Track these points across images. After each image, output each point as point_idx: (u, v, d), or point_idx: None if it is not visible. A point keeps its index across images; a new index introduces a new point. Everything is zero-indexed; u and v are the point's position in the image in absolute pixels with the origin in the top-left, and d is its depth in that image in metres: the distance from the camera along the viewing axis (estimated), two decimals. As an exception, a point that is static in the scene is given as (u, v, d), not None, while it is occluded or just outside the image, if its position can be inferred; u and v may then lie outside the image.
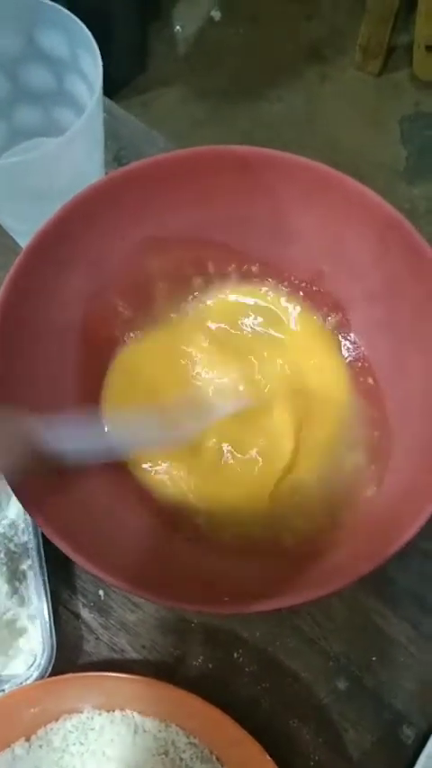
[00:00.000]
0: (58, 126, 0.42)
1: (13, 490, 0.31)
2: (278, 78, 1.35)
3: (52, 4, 0.35)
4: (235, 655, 0.39)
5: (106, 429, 0.37)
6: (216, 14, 1.41)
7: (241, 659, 0.39)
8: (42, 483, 0.32)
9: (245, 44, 1.39)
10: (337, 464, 0.37)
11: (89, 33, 0.34)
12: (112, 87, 0.33)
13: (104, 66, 0.34)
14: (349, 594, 0.40)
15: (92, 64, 0.34)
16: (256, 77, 1.35)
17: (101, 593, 0.40)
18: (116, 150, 0.48)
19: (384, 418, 0.37)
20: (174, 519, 0.36)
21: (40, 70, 0.38)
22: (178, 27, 1.40)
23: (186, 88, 1.34)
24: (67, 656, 0.38)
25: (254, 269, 0.40)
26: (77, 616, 0.39)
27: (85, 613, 0.39)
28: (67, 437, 0.31)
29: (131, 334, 0.39)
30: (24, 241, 0.42)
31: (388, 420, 0.36)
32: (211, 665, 0.39)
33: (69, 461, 0.30)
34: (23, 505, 0.31)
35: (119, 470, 0.37)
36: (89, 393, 0.38)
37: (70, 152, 0.35)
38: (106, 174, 0.39)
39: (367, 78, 1.34)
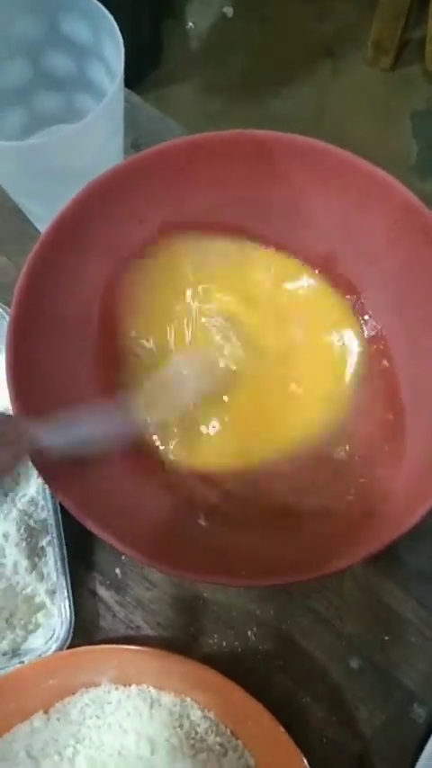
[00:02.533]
0: (79, 112, 0.43)
1: (34, 464, 0.32)
2: (290, 74, 1.35)
3: (76, -10, 0.35)
4: (249, 633, 0.39)
5: (123, 410, 0.37)
6: (228, 11, 1.41)
7: (255, 637, 0.39)
8: (62, 460, 0.33)
9: (257, 40, 1.39)
10: (351, 444, 0.37)
11: (112, 19, 0.34)
12: (126, 83, 0.34)
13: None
14: (362, 575, 0.40)
15: (114, 50, 0.35)
16: (268, 73, 1.35)
17: (117, 570, 0.40)
18: (134, 137, 0.49)
19: (399, 400, 0.37)
20: (191, 494, 0.37)
21: (62, 56, 0.39)
22: (191, 24, 1.40)
23: (199, 84, 1.34)
24: (84, 633, 0.39)
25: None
26: (94, 593, 0.40)
27: (102, 591, 0.40)
28: (83, 430, 0.32)
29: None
30: (44, 226, 0.42)
31: (402, 401, 0.37)
32: (225, 643, 0.39)
33: (90, 450, 0.32)
34: (44, 479, 0.32)
35: (136, 448, 0.37)
36: (107, 375, 0.39)
37: (90, 136, 0.36)
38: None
39: (379, 74, 1.34)
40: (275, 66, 1.36)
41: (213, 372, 0.39)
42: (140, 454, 0.38)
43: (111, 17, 0.35)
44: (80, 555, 0.40)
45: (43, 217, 0.43)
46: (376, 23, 1.28)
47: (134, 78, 1.31)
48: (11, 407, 0.32)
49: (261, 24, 1.40)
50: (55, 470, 0.32)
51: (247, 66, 1.36)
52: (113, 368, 0.39)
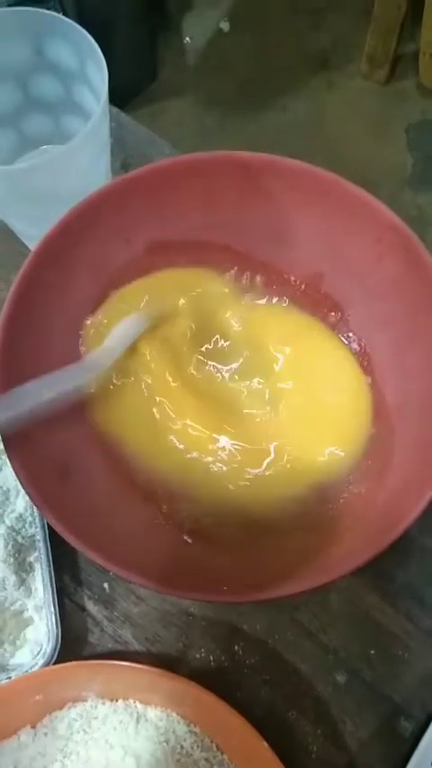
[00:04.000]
0: (67, 134, 0.43)
1: (21, 485, 0.32)
2: (286, 88, 1.37)
3: (60, 16, 0.36)
4: (236, 647, 0.40)
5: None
6: (225, 26, 1.43)
7: (242, 652, 0.40)
8: (50, 477, 0.33)
9: (253, 54, 1.41)
10: (333, 459, 0.37)
11: (95, 44, 0.35)
12: (123, 97, 0.34)
13: (114, 76, 0.36)
14: (348, 589, 0.40)
15: (98, 73, 0.36)
16: (264, 87, 1.37)
17: (105, 585, 0.41)
18: (123, 158, 0.50)
19: (383, 415, 0.37)
20: (177, 514, 0.37)
21: (49, 81, 0.40)
22: (188, 38, 1.42)
23: (195, 98, 1.36)
24: (72, 648, 0.39)
25: (255, 271, 0.41)
26: (82, 608, 0.40)
27: (90, 606, 0.40)
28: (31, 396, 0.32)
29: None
30: (33, 244, 0.43)
31: (386, 417, 0.37)
32: (212, 658, 0.40)
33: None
34: (31, 499, 0.32)
35: (123, 465, 0.38)
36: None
37: (76, 158, 0.37)
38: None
39: (374, 87, 1.35)
40: (271, 80, 1.38)
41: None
42: (124, 467, 0.38)
43: (94, 42, 0.35)
44: (68, 569, 0.40)
45: (33, 236, 0.43)
46: (371, 37, 1.29)
47: (130, 92, 1.33)
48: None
49: (257, 38, 1.42)
50: (42, 491, 0.32)
51: (244, 80, 1.38)
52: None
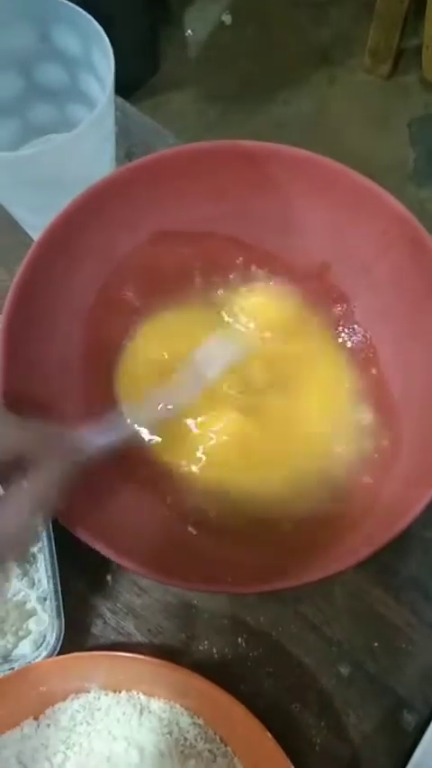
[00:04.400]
0: (71, 122, 0.43)
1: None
2: (287, 81, 1.36)
3: (66, 2, 0.36)
4: (239, 640, 0.40)
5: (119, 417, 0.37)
6: (227, 18, 1.42)
7: (245, 644, 0.40)
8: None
9: (255, 47, 1.40)
10: (341, 451, 0.37)
11: (102, 30, 0.35)
12: (124, 90, 0.34)
13: (116, 69, 0.35)
14: (352, 582, 0.40)
15: (104, 61, 0.36)
16: (266, 80, 1.36)
17: (108, 577, 0.40)
18: (127, 147, 0.49)
19: (387, 407, 0.37)
20: (182, 505, 0.37)
21: (54, 68, 0.40)
22: (189, 31, 1.41)
23: (197, 91, 1.35)
24: (75, 639, 0.39)
25: (261, 261, 0.41)
26: (85, 600, 0.40)
27: (93, 597, 0.40)
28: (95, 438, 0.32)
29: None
30: (37, 234, 0.43)
31: (391, 409, 0.37)
32: (215, 650, 0.39)
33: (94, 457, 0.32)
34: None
35: (130, 458, 0.37)
36: (95, 377, 0.39)
37: (81, 146, 0.36)
38: (117, 169, 0.40)
39: (376, 81, 1.35)
40: (273, 73, 1.37)
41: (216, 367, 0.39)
42: (131, 460, 0.38)
43: (101, 29, 0.35)
44: (71, 561, 0.40)
45: (36, 225, 0.43)
46: (373, 31, 1.29)
47: (132, 85, 1.32)
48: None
49: (259, 32, 1.42)
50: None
51: (246, 72, 1.37)
52: (103, 367, 0.39)
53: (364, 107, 1.33)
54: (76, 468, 0.30)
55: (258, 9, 1.43)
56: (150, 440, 0.38)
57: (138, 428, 0.37)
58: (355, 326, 0.40)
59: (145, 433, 0.38)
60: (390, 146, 1.28)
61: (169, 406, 0.37)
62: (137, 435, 0.37)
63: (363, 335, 0.39)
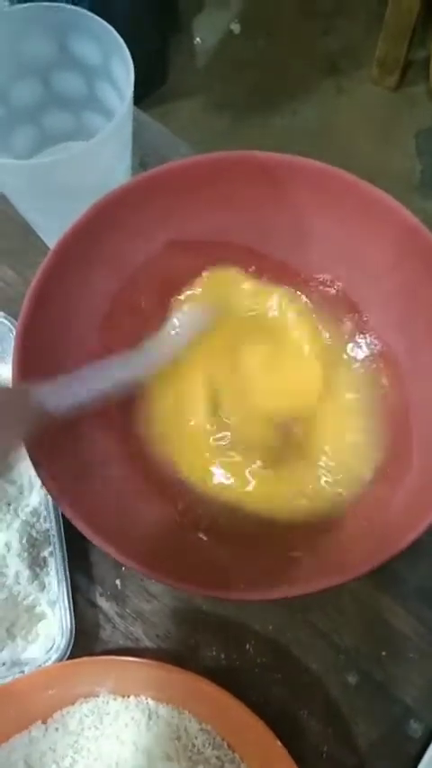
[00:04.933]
0: (87, 130, 0.43)
1: (41, 480, 0.32)
2: (295, 91, 1.37)
3: (85, 12, 0.36)
4: (247, 646, 0.40)
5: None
6: (236, 27, 1.43)
7: (253, 650, 0.40)
8: (68, 473, 0.33)
9: (263, 57, 1.41)
10: (351, 460, 0.38)
11: (121, 41, 0.35)
12: (133, 98, 0.35)
13: (127, 77, 0.36)
14: (360, 590, 0.40)
15: (123, 70, 0.36)
16: (274, 90, 1.37)
17: (117, 582, 0.41)
18: (141, 155, 0.50)
19: (399, 417, 0.37)
20: (193, 512, 0.37)
21: (72, 76, 0.40)
22: (198, 39, 1.42)
23: (205, 99, 1.36)
24: (84, 644, 0.39)
25: (274, 271, 0.41)
26: (94, 604, 0.40)
27: (102, 602, 0.40)
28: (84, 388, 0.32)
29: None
30: (52, 240, 0.43)
31: (404, 419, 0.37)
32: (223, 656, 0.40)
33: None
34: (48, 490, 0.33)
35: (141, 460, 0.38)
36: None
37: (100, 154, 0.37)
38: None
39: (383, 92, 1.36)
40: (281, 82, 1.38)
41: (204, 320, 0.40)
42: (141, 462, 0.38)
43: (120, 39, 0.35)
44: (80, 566, 0.40)
45: (52, 231, 0.43)
46: (382, 42, 1.29)
47: (140, 93, 1.32)
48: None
49: (268, 41, 1.42)
50: (59, 482, 0.32)
51: (254, 82, 1.38)
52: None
53: (371, 118, 1.34)
54: (34, 430, 0.30)
55: (267, 18, 1.44)
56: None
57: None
58: (368, 337, 0.40)
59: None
60: (396, 157, 1.28)
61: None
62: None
63: (375, 346, 0.40)
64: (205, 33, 1.43)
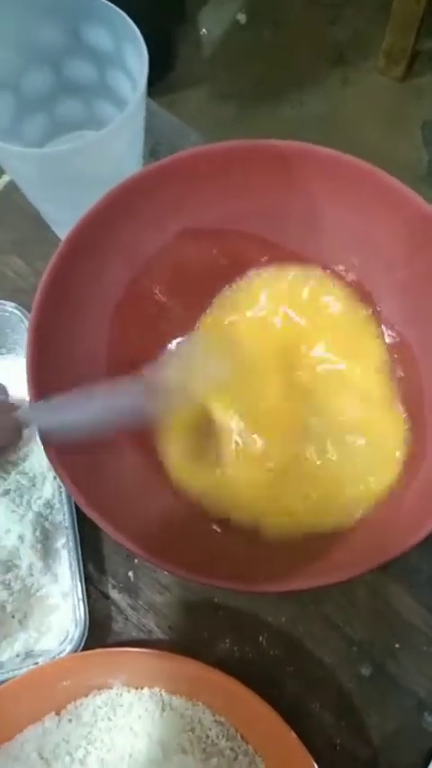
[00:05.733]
0: (98, 119, 0.43)
1: (56, 472, 0.32)
2: (301, 81, 1.36)
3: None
4: (260, 638, 0.40)
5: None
6: (242, 18, 1.42)
7: (266, 643, 0.40)
8: (82, 465, 0.33)
9: (269, 47, 1.40)
10: (367, 454, 0.37)
11: (135, 28, 0.35)
12: None
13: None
14: (374, 582, 0.40)
15: (137, 59, 0.36)
16: (280, 80, 1.36)
17: (130, 574, 0.41)
18: (152, 144, 0.49)
19: (415, 410, 0.37)
20: (206, 506, 0.37)
21: (83, 64, 0.40)
22: (204, 30, 1.41)
23: (211, 90, 1.35)
24: (96, 636, 0.39)
25: (286, 260, 0.41)
26: (107, 596, 0.40)
27: (115, 594, 0.40)
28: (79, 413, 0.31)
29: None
30: (63, 231, 0.43)
31: (418, 411, 0.37)
32: (236, 648, 0.39)
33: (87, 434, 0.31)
34: (61, 480, 0.32)
35: (153, 450, 0.37)
36: (122, 372, 0.39)
37: (111, 144, 0.36)
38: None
39: (390, 83, 1.35)
40: (287, 73, 1.37)
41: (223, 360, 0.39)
42: (154, 455, 0.38)
43: (135, 27, 0.35)
44: (93, 558, 0.40)
45: (63, 222, 0.43)
46: (389, 33, 1.28)
47: (146, 83, 1.32)
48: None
49: (274, 31, 1.41)
50: (72, 472, 0.32)
51: (260, 72, 1.37)
52: (128, 373, 0.39)
53: (377, 108, 1.33)
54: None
55: (274, 9, 1.42)
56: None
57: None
58: (383, 327, 0.40)
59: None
60: (403, 148, 1.28)
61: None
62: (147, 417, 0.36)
63: (390, 337, 0.39)
64: (211, 24, 1.42)
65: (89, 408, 0.30)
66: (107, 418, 0.30)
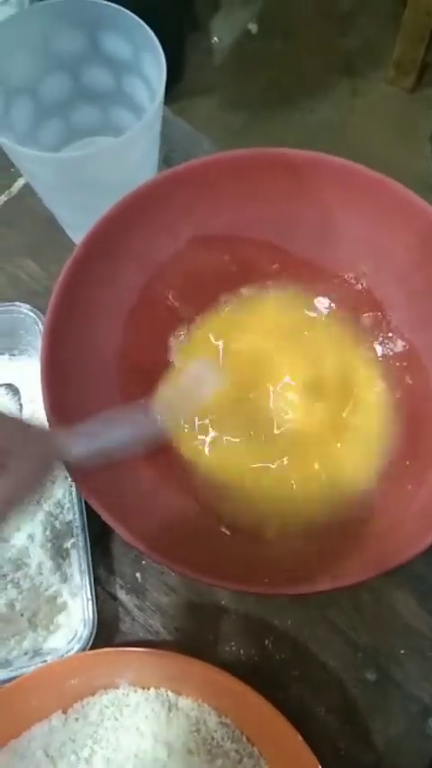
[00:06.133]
0: (114, 125, 0.44)
1: (69, 474, 0.32)
2: (311, 91, 1.37)
3: (117, 7, 0.37)
4: (266, 642, 0.40)
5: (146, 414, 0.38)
6: (253, 27, 1.43)
7: (272, 646, 0.40)
8: (102, 480, 0.33)
9: (280, 57, 1.41)
10: (373, 460, 0.38)
11: (154, 37, 0.35)
12: None
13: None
14: (379, 588, 0.41)
15: (155, 67, 0.36)
16: (290, 89, 1.37)
17: (137, 575, 0.41)
18: (166, 151, 0.50)
19: (422, 416, 0.37)
20: (215, 508, 0.37)
21: (101, 71, 0.40)
22: (215, 38, 1.42)
23: (222, 98, 1.36)
24: (104, 636, 0.39)
25: (297, 268, 0.41)
26: (114, 597, 0.41)
27: (122, 595, 0.41)
28: (109, 437, 0.32)
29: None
30: (78, 235, 0.43)
31: (426, 418, 0.37)
32: (242, 651, 0.40)
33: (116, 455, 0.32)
34: (73, 480, 0.33)
35: (165, 456, 0.38)
36: (133, 377, 0.39)
37: (130, 150, 0.37)
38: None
39: (400, 93, 1.35)
40: (298, 82, 1.38)
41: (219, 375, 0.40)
42: (163, 455, 0.38)
43: (153, 35, 0.36)
44: (101, 558, 0.41)
45: (78, 226, 0.44)
46: (399, 44, 1.29)
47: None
48: (44, 410, 0.33)
49: (285, 41, 1.42)
50: (84, 473, 0.32)
51: (270, 81, 1.38)
52: (138, 377, 0.40)
53: (386, 119, 1.34)
54: (57, 467, 0.31)
55: (285, 19, 1.44)
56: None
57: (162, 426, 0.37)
58: (391, 335, 0.40)
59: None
60: (412, 158, 1.28)
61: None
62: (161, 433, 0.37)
63: (398, 345, 0.40)
64: (222, 33, 1.43)
65: (112, 436, 0.32)
66: (128, 444, 0.32)
